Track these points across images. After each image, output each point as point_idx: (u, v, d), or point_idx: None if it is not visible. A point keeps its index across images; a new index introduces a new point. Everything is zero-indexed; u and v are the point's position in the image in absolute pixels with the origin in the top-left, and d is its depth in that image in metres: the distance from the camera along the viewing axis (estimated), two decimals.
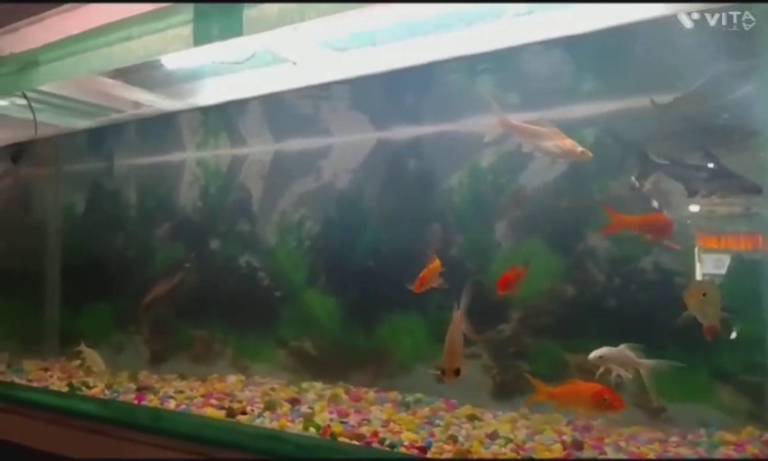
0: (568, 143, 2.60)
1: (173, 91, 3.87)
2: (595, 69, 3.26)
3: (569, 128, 2.91)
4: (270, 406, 3.16)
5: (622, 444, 2.59)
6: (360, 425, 2.86)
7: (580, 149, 2.55)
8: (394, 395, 3.37)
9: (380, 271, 3.68)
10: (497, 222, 3.42)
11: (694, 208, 2.96)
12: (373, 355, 3.61)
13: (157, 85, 4.04)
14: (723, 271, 2.92)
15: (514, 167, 3.37)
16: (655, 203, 3.00)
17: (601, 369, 2.47)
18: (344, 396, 3.38)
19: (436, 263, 2.83)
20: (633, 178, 3.02)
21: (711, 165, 2.72)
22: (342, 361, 3.65)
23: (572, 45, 3.12)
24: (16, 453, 3.48)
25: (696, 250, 2.97)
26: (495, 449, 2.52)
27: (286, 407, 3.19)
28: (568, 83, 3.30)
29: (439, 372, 2.37)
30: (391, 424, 2.87)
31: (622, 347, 2.47)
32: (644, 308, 2.95)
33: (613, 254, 3.12)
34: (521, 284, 2.77)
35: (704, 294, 2.33)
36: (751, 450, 2.42)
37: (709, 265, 2.96)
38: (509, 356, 3.27)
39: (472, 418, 2.98)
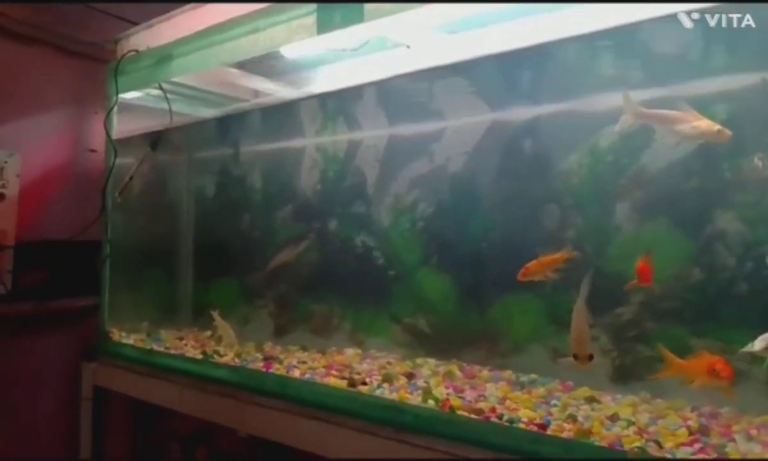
0: (704, 123, 2.50)
1: (292, 80, 4.11)
2: (726, 41, 3.09)
3: (698, 105, 2.81)
4: (387, 379, 3.32)
5: (753, 432, 2.49)
6: (477, 401, 2.94)
7: (716, 127, 2.45)
8: (508, 374, 3.41)
9: (493, 253, 3.72)
10: (618, 204, 3.33)
11: None
12: (486, 334, 3.66)
13: (278, 75, 4.31)
14: None
15: (637, 146, 3.27)
16: None
17: None
18: (458, 373, 3.47)
19: (553, 257, 2.81)
20: (756, 158, 2.86)
21: None
22: (455, 339, 3.74)
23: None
24: (157, 412, 3.90)
25: None
26: (617, 431, 2.52)
27: (403, 380, 3.33)
28: (697, 57, 3.15)
29: (572, 358, 2.39)
30: (507, 401, 2.93)
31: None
32: None
33: (745, 237, 2.97)
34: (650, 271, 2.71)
35: None
36: None
37: None
38: (629, 339, 3.21)
39: (590, 400, 2.97)
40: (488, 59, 3.59)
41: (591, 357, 2.37)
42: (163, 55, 4.00)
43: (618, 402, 2.97)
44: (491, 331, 3.66)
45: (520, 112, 3.64)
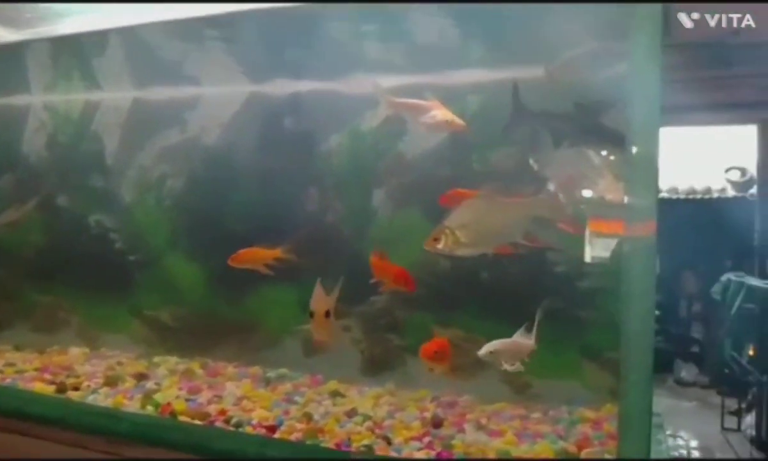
0: (442, 113, 2.47)
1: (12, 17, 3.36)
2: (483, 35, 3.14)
3: (452, 96, 2.81)
4: (111, 382, 2.87)
5: (483, 420, 2.52)
6: (210, 402, 2.63)
7: (450, 118, 2.43)
8: (255, 370, 3.15)
9: (250, 236, 3.39)
10: (375, 189, 3.24)
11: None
12: (239, 327, 3.36)
13: None
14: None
15: (395, 132, 3.21)
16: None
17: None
18: (199, 371, 3.12)
19: (265, 251, 2.63)
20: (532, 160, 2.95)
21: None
22: (202, 333, 3.38)
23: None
24: None
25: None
26: (350, 428, 2.38)
27: (131, 383, 2.90)
28: (455, 49, 3.17)
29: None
30: (245, 401, 2.67)
31: (516, 336, 2.32)
32: (516, 283, 2.90)
33: None
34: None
35: None
36: (608, 427, 2.42)
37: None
38: (380, 329, 3.13)
39: (334, 394, 2.82)
40: (251, 25, 3.28)
41: (328, 314, 2.15)
42: None
43: (363, 395, 2.86)
44: (244, 324, 3.36)
45: (282, 86, 3.38)
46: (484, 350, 2.23)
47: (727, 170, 6.94)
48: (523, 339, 2.29)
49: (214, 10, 3.15)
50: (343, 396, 2.80)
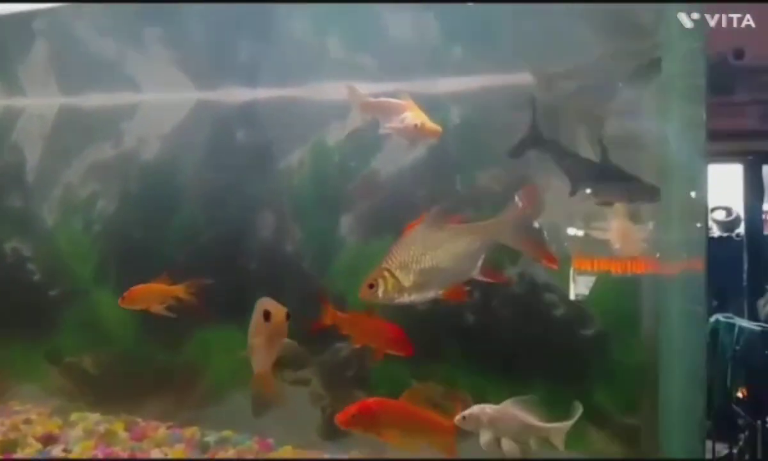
0: (412, 116, 2.01)
1: None
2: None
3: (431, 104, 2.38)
4: (7, 447, 2.31)
5: None
6: None
7: (422, 121, 1.96)
8: (192, 432, 2.63)
9: (194, 268, 2.91)
10: (344, 214, 2.76)
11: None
12: (177, 378, 2.88)
13: None
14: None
15: (367, 146, 2.75)
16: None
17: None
18: (123, 434, 2.59)
19: (166, 287, 2.18)
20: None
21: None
22: (133, 385, 2.84)
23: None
24: None
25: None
26: None
27: (35, 447, 2.36)
28: (434, 51, 2.73)
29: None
30: None
31: (508, 403, 1.78)
32: (507, 328, 2.42)
33: None
34: None
35: None
36: None
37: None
38: (346, 382, 2.61)
39: None
40: (194, 22, 2.85)
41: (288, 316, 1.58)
42: None
43: None
44: (183, 373, 2.85)
45: (235, 93, 2.91)
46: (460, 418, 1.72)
47: (712, 210, 6.68)
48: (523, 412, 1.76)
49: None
50: None
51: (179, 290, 2.15)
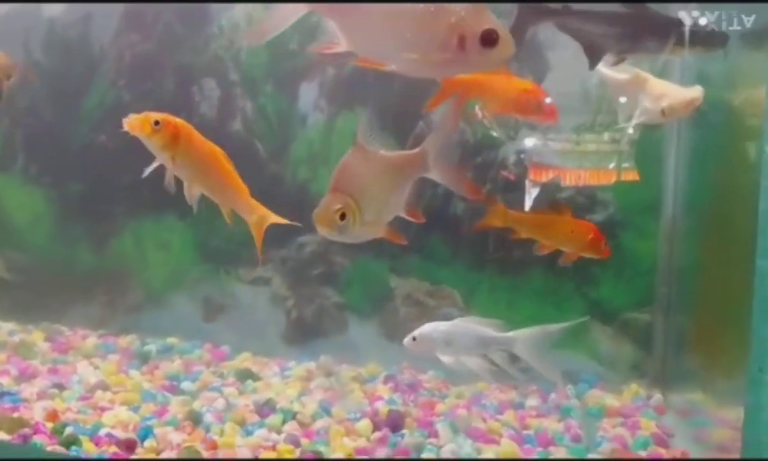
0: None
1: None
2: None
3: None
4: None
5: (462, 411, 1.78)
6: (40, 398, 1.74)
7: None
8: (129, 341, 2.31)
9: (119, 150, 2.50)
10: (302, 83, 2.39)
11: None
12: (105, 280, 2.52)
13: None
14: None
15: None
16: None
17: None
18: (43, 345, 2.23)
19: None
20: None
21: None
22: (54, 289, 2.47)
23: None
24: None
25: None
26: (262, 436, 1.56)
27: None
28: None
29: None
30: (99, 393, 1.81)
31: (462, 320, 1.61)
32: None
33: (465, 137, 2.23)
34: None
35: None
36: (646, 424, 1.72)
37: None
38: (312, 281, 2.32)
39: (244, 376, 2.03)
40: None
41: None
42: None
43: (286, 376, 2.09)
44: (113, 275, 2.50)
45: None
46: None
47: None
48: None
49: None
50: (256, 378, 2.04)
51: None
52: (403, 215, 1.32)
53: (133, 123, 1.25)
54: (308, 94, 2.40)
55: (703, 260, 1.81)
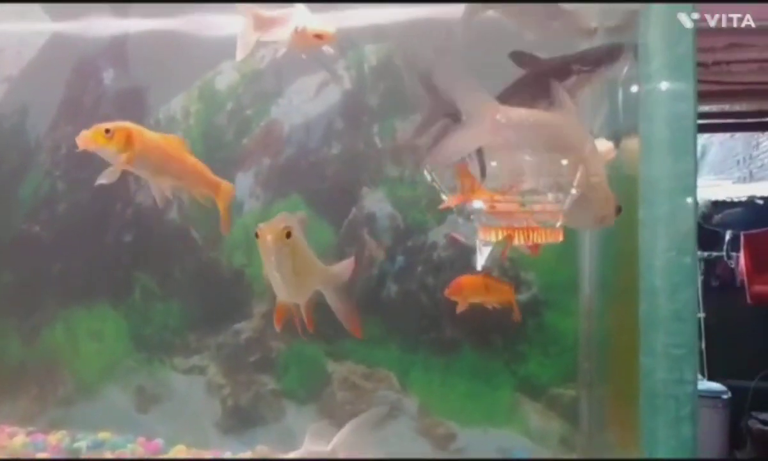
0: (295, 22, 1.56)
1: None
2: None
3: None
4: None
5: None
6: None
7: (302, 26, 1.49)
8: (58, 437, 2.29)
9: (52, 237, 2.57)
10: (239, 172, 2.49)
11: None
12: (37, 371, 2.49)
13: None
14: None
15: (266, 92, 2.48)
16: None
17: None
18: None
19: None
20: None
21: None
22: None
23: None
24: None
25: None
26: None
27: None
28: None
29: None
30: None
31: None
32: (431, 298, 2.28)
33: (397, 223, 2.38)
34: None
35: None
36: None
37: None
38: (249, 367, 2.38)
39: None
40: None
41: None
42: None
43: None
44: (43, 365, 2.48)
45: (101, 25, 2.51)
46: None
47: None
48: None
49: None
50: None
51: None
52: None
53: (85, 139, 1.27)
54: (244, 182, 2.52)
55: (611, 337, 1.97)
